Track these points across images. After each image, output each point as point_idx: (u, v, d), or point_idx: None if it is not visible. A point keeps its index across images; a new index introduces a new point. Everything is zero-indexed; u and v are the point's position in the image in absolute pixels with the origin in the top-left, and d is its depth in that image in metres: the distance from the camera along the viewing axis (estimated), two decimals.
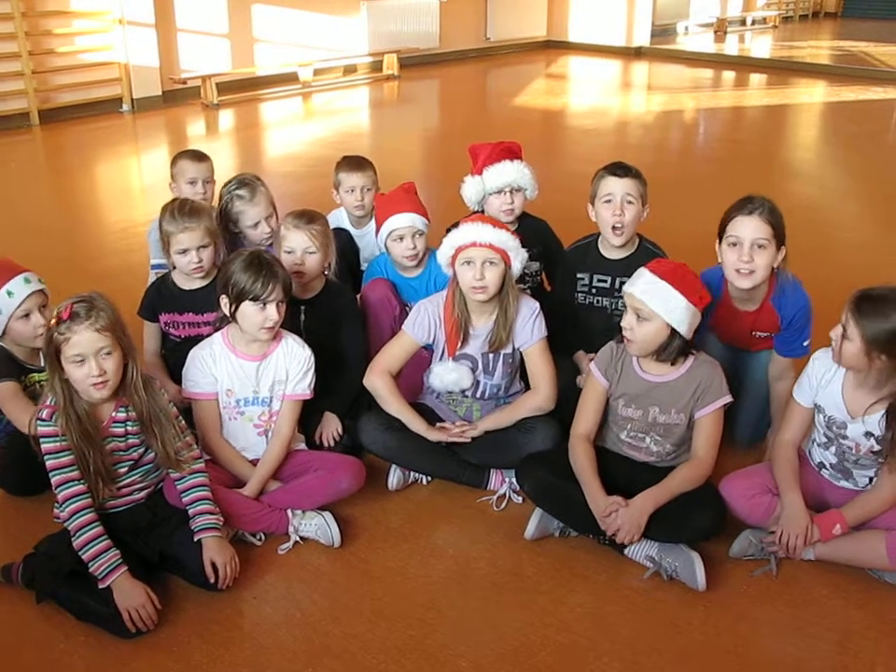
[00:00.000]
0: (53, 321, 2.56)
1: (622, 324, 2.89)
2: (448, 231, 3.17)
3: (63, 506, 2.62)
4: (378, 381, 3.22)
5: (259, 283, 2.88)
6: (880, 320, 2.57)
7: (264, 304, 2.91)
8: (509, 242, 3.07)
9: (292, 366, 3.08)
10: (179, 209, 3.39)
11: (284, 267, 3.06)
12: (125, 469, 2.77)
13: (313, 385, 3.12)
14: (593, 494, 2.85)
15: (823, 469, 2.94)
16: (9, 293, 3.01)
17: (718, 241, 3.16)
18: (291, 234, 3.37)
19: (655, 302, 2.78)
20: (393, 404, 3.20)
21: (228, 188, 3.81)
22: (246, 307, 2.91)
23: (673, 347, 2.86)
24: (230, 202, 3.79)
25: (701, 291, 2.84)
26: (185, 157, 4.20)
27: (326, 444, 3.30)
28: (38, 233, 5.95)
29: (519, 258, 3.10)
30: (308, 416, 3.23)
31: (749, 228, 3.03)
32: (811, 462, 2.97)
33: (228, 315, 2.97)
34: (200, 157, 4.20)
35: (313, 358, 3.11)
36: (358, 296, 3.74)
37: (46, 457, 2.62)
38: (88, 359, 2.56)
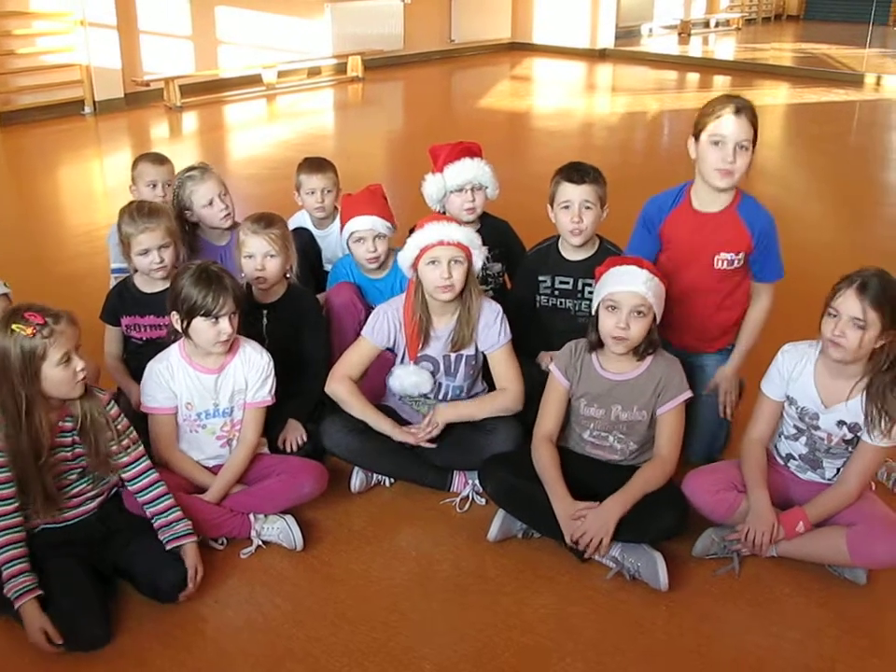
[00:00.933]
0: (29, 332, 2.47)
1: (612, 325, 2.85)
2: (410, 233, 3.16)
3: None
4: (339, 386, 3.20)
5: (209, 297, 2.83)
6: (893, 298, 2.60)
7: (216, 319, 2.87)
8: (474, 239, 3.09)
9: (251, 374, 3.04)
10: (138, 210, 3.36)
11: (232, 276, 2.99)
12: (74, 476, 2.74)
13: (274, 391, 3.10)
14: (557, 496, 2.86)
15: (791, 461, 2.95)
16: None
17: (694, 137, 3.13)
18: (251, 239, 3.34)
19: (654, 297, 2.84)
20: (356, 407, 3.18)
21: (178, 175, 3.87)
22: (198, 323, 2.87)
23: (653, 337, 2.90)
24: (181, 186, 3.81)
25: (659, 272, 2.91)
26: (145, 160, 4.17)
27: (289, 450, 3.28)
28: (0, 236, 5.88)
29: (480, 254, 3.11)
30: (271, 422, 3.20)
31: (735, 128, 3.01)
32: (777, 456, 2.99)
33: (180, 330, 2.93)
34: (160, 160, 4.17)
35: (272, 364, 3.08)
36: (321, 297, 3.72)
37: None
38: (72, 357, 2.54)
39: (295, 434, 3.31)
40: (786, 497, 2.91)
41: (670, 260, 3.26)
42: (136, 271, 3.44)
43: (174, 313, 2.91)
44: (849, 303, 2.62)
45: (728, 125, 3.01)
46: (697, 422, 3.25)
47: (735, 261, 3.20)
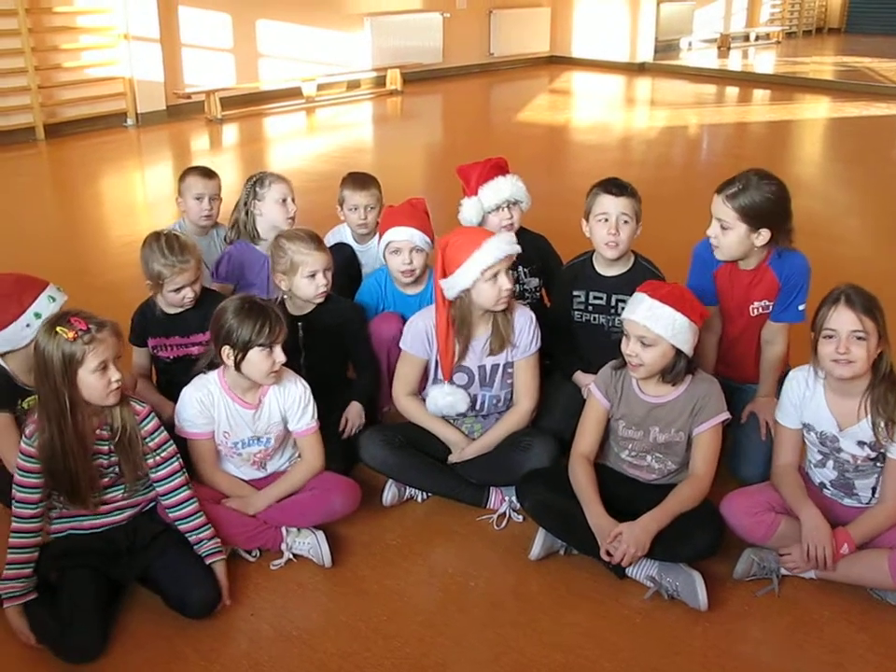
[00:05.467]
0: (71, 336, 2.52)
1: (625, 351, 2.87)
2: (443, 261, 3.10)
3: (13, 519, 2.66)
4: (406, 403, 3.31)
5: (266, 329, 2.84)
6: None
7: (271, 348, 2.88)
8: (516, 245, 3.12)
9: (289, 405, 3.04)
10: (169, 248, 3.33)
11: (274, 304, 3.03)
12: (107, 481, 2.76)
13: (316, 414, 3.09)
14: (593, 513, 2.84)
15: (825, 489, 2.93)
16: (51, 298, 2.98)
17: None
18: (312, 258, 3.35)
19: (660, 327, 2.79)
20: (425, 420, 3.29)
21: (258, 172, 4.07)
22: (254, 355, 2.86)
23: (679, 367, 2.86)
24: (260, 180, 3.98)
25: (699, 309, 2.86)
26: (194, 173, 4.21)
27: (348, 431, 3.37)
28: (43, 247, 5.96)
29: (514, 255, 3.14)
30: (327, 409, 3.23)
31: (715, 208, 3.24)
32: (811, 484, 2.96)
33: (232, 365, 2.91)
34: (209, 174, 4.21)
35: (308, 391, 3.07)
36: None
37: (17, 471, 2.65)
38: (109, 365, 2.58)
39: (357, 417, 3.38)
40: (830, 519, 2.84)
41: (720, 312, 3.43)
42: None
43: (225, 347, 2.88)
44: (843, 318, 2.65)
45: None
46: (748, 445, 3.28)
47: (770, 306, 3.38)
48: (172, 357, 3.48)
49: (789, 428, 2.92)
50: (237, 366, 2.89)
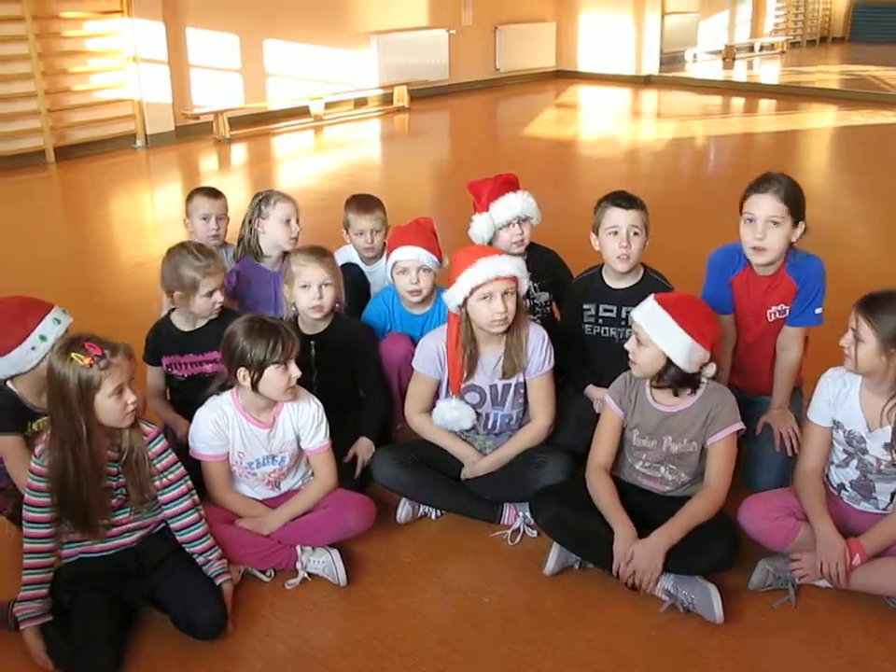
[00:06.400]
0: (87, 362, 2.53)
1: (625, 346, 2.91)
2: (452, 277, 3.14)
3: (26, 540, 2.67)
4: (419, 421, 3.32)
5: (279, 345, 2.85)
6: (891, 316, 2.63)
7: (287, 365, 2.89)
8: (522, 267, 3.10)
9: (302, 424, 3.04)
10: (199, 251, 3.39)
11: (284, 322, 3.04)
12: (115, 502, 2.75)
13: (329, 433, 3.09)
14: (617, 520, 2.84)
15: (843, 491, 2.92)
16: (56, 320, 2.98)
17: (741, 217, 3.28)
18: (307, 269, 3.36)
19: (652, 329, 2.81)
20: (439, 437, 3.29)
21: (264, 191, 4.10)
22: (270, 373, 2.87)
23: (669, 376, 2.85)
24: (265, 198, 4.00)
25: (706, 329, 2.83)
26: (200, 193, 4.24)
27: (359, 467, 3.33)
28: (53, 269, 6.00)
29: (526, 280, 3.13)
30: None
31: (762, 206, 3.16)
32: (830, 486, 2.95)
33: (249, 386, 2.91)
34: (215, 194, 4.24)
35: (321, 409, 3.07)
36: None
37: (26, 490, 2.66)
38: (125, 389, 2.59)
39: (366, 451, 3.36)
40: (843, 526, 2.84)
41: (735, 320, 3.42)
42: (173, 309, 3.49)
43: (241, 369, 2.88)
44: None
45: (756, 204, 3.19)
46: (762, 457, 3.27)
47: (787, 311, 3.36)
48: (186, 376, 3.50)
49: (819, 426, 2.91)
50: (254, 386, 2.90)
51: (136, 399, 2.64)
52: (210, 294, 3.37)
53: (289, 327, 2.99)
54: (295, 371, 2.90)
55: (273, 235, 3.97)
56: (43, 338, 2.95)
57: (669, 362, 2.82)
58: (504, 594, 2.91)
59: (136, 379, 2.71)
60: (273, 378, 2.88)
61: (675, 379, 2.85)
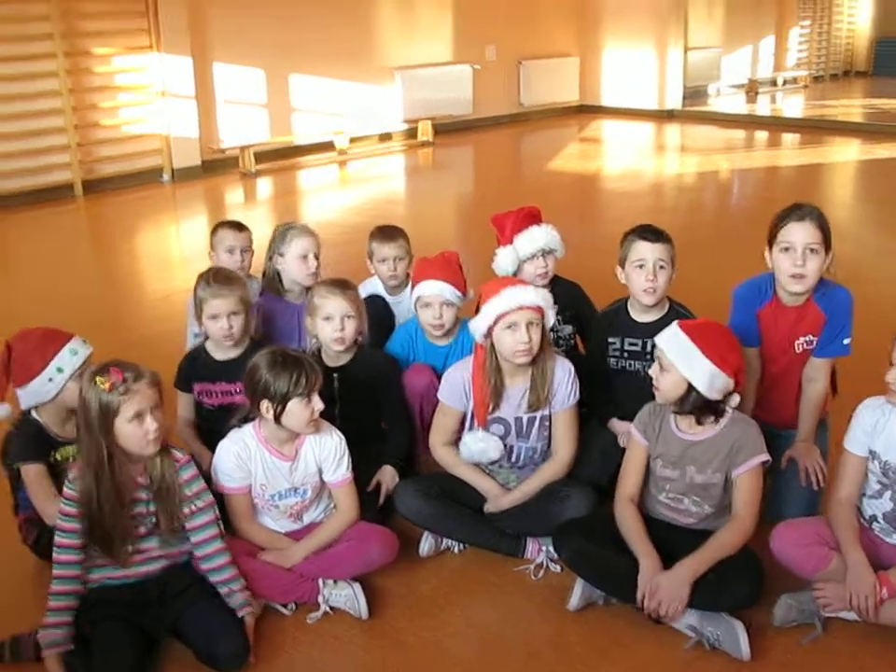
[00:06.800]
0: (106, 385, 2.58)
1: (649, 371, 2.91)
2: (478, 308, 3.16)
3: (55, 566, 2.69)
4: (444, 453, 3.32)
5: (302, 378, 2.86)
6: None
7: (310, 398, 2.89)
8: (547, 299, 3.11)
9: (325, 456, 3.04)
10: (214, 276, 3.47)
11: (307, 355, 3.05)
12: (143, 531, 2.77)
13: (351, 465, 3.09)
14: (643, 553, 2.82)
15: (875, 523, 2.88)
16: (73, 351, 3.03)
17: (768, 247, 3.26)
18: (329, 301, 3.38)
19: (673, 355, 2.81)
20: (462, 470, 3.28)
21: (283, 224, 4.08)
22: (293, 405, 2.87)
23: (689, 402, 2.84)
24: (282, 233, 3.97)
25: (729, 356, 2.82)
26: (224, 226, 4.28)
27: (382, 496, 3.33)
28: (79, 301, 6.05)
29: (552, 313, 3.13)
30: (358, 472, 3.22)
31: (801, 233, 3.15)
32: (861, 517, 2.92)
33: (272, 419, 2.92)
34: (239, 227, 4.27)
35: (343, 442, 3.07)
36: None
37: (59, 515, 2.69)
38: (145, 416, 2.61)
39: (390, 480, 3.36)
40: (873, 558, 2.80)
41: (761, 353, 3.39)
42: (208, 338, 3.51)
43: (264, 402, 2.90)
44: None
45: (794, 232, 3.17)
46: (788, 492, 3.24)
47: (814, 341, 3.34)
48: (216, 405, 3.52)
49: (855, 455, 2.88)
50: (277, 419, 2.90)
51: (159, 427, 2.65)
52: (215, 318, 3.39)
53: (313, 359, 3.00)
54: (318, 404, 2.91)
55: (290, 271, 3.97)
56: (60, 370, 3.01)
57: (691, 388, 2.81)
58: (527, 629, 2.89)
59: (165, 407, 2.73)
60: (297, 411, 2.89)
61: (696, 406, 2.84)
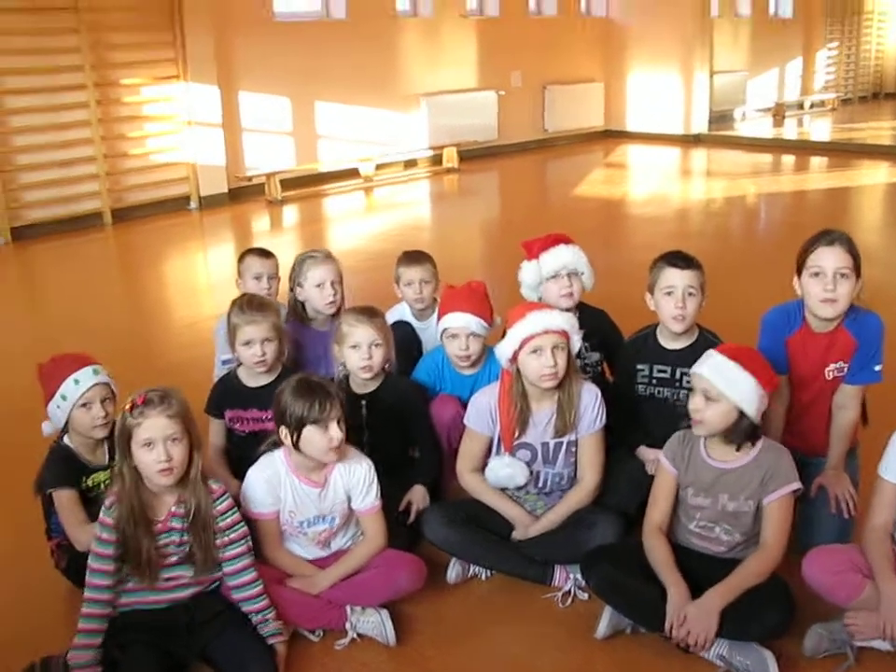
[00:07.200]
0: (127, 407, 2.64)
1: (689, 406, 2.87)
2: (504, 333, 3.16)
3: (86, 589, 2.71)
4: (470, 480, 3.30)
5: (316, 405, 2.85)
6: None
7: (326, 426, 2.88)
8: (574, 323, 3.11)
9: (354, 484, 3.03)
10: (248, 303, 3.49)
11: (332, 383, 3.04)
12: (175, 560, 2.79)
13: (380, 493, 3.08)
14: (671, 582, 2.80)
15: None
16: (76, 381, 3.06)
17: (797, 274, 3.24)
18: (356, 329, 3.39)
19: (724, 383, 2.78)
20: (489, 497, 3.27)
21: (302, 253, 4.05)
22: (309, 432, 2.87)
23: (741, 430, 2.83)
24: (301, 262, 3.96)
25: (769, 375, 2.84)
26: (251, 254, 4.31)
27: (412, 515, 3.34)
28: (108, 329, 6.10)
29: (579, 338, 3.12)
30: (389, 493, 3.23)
31: (831, 258, 3.13)
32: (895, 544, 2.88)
33: (291, 445, 2.93)
34: (266, 254, 4.30)
35: (373, 470, 3.06)
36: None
37: (94, 541, 2.71)
38: (156, 444, 2.62)
39: (420, 499, 3.37)
40: None
41: (790, 380, 3.36)
42: (240, 363, 3.52)
43: (282, 427, 2.92)
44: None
45: (824, 257, 3.15)
46: (818, 520, 3.20)
47: (845, 368, 3.30)
48: (247, 432, 3.52)
49: (891, 483, 2.84)
50: (295, 445, 2.91)
51: (172, 459, 2.65)
52: (248, 344, 3.40)
53: (338, 388, 3.01)
54: (335, 433, 2.89)
55: (310, 299, 3.97)
56: (64, 397, 3.07)
57: (741, 416, 2.80)
58: (555, 657, 2.86)
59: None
60: (313, 438, 2.89)
61: (746, 432, 2.83)
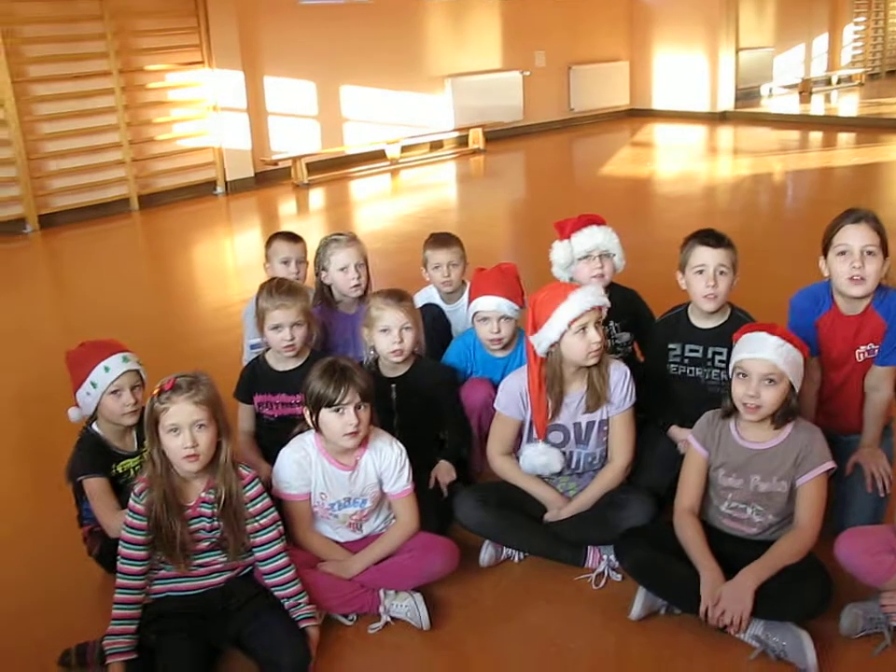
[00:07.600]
0: (156, 392, 2.65)
1: (745, 393, 2.80)
2: (534, 320, 3.11)
3: (118, 576, 2.72)
4: (501, 463, 3.29)
5: (331, 388, 2.84)
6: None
7: (341, 410, 2.87)
8: (604, 296, 3.11)
9: (384, 468, 3.03)
10: (277, 287, 3.48)
11: (361, 369, 3.02)
12: (206, 545, 2.80)
13: (412, 476, 3.08)
14: (704, 566, 2.78)
15: None
16: (106, 368, 3.07)
17: (823, 255, 3.21)
18: (386, 313, 3.38)
19: (785, 363, 2.77)
20: (520, 479, 3.26)
21: (326, 237, 4.02)
22: (325, 415, 2.88)
23: (792, 406, 2.83)
24: (325, 246, 3.95)
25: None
26: (279, 238, 4.31)
27: (443, 488, 3.36)
28: (135, 314, 6.14)
29: (606, 308, 3.11)
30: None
31: (858, 236, 3.10)
32: None
33: (311, 424, 2.95)
34: (294, 238, 4.30)
35: (404, 454, 3.06)
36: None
37: (124, 527, 2.73)
38: (182, 430, 2.63)
39: (446, 474, 3.38)
40: None
41: (821, 362, 3.33)
42: (269, 348, 3.52)
43: (305, 408, 2.94)
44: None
45: (850, 235, 3.12)
46: (853, 498, 3.16)
47: (875, 350, 3.27)
48: (276, 416, 3.54)
49: None
50: (316, 426, 2.92)
51: (198, 446, 2.65)
52: (277, 328, 3.41)
53: (364, 373, 2.99)
54: (351, 418, 2.86)
55: (335, 283, 3.97)
56: (94, 384, 3.08)
57: (791, 393, 2.81)
58: (589, 639, 2.86)
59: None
60: (328, 421, 2.89)
61: (793, 410, 2.84)
